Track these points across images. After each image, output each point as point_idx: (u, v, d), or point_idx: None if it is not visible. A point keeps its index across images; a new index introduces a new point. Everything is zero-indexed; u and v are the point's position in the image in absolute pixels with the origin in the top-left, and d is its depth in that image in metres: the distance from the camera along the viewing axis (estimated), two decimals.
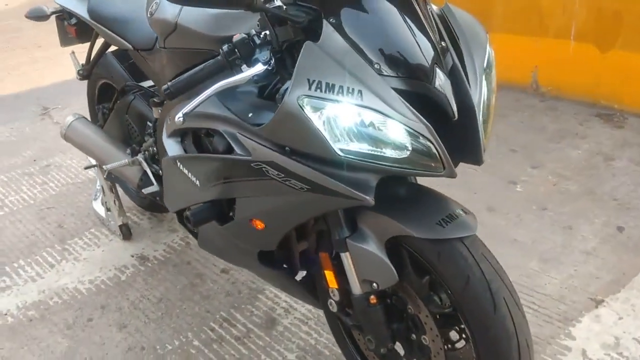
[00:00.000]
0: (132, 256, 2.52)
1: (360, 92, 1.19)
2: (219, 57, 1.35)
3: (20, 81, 4.88)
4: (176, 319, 2.15)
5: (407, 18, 1.29)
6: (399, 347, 1.59)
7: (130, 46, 2.03)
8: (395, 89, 1.24)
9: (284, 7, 1.29)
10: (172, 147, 1.74)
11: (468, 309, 1.34)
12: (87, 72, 2.38)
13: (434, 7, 1.44)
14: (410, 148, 1.24)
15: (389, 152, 1.23)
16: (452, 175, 1.27)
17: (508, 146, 3.23)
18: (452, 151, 1.29)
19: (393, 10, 1.29)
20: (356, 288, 1.48)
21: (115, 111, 2.38)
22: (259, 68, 1.31)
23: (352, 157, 1.22)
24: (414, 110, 1.22)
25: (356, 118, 1.20)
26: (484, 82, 1.36)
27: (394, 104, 1.21)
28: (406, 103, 1.22)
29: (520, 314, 1.34)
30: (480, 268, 1.33)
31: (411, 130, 1.22)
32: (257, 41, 1.34)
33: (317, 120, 1.19)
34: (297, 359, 1.95)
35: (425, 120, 1.22)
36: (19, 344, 2.08)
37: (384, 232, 1.40)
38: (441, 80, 1.27)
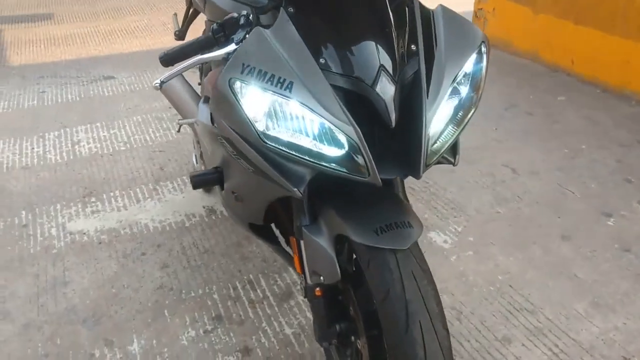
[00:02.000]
0: (203, 207, 2.75)
1: (291, 83, 1.20)
2: (209, 34, 1.44)
3: None
4: (210, 271, 2.32)
5: (369, 16, 1.26)
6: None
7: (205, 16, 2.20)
8: (338, 87, 1.23)
9: None
10: (202, 112, 1.87)
11: (383, 322, 1.30)
12: (182, 34, 2.60)
13: (421, 9, 1.37)
14: (336, 147, 1.22)
15: (313, 147, 1.23)
16: (376, 182, 1.23)
17: (624, 174, 2.88)
18: (394, 159, 1.25)
19: (355, 7, 1.26)
20: (307, 277, 1.51)
21: (203, 73, 2.59)
22: (231, 47, 1.38)
23: (275, 145, 1.24)
24: (344, 110, 1.20)
25: (278, 108, 1.21)
26: (449, 93, 1.28)
27: (325, 101, 1.20)
28: (339, 102, 1.21)
29: (437, 343, 1.27)
30: (403, 285, 1.28)
31: (336, 129, 1.21)
32: (241, 22, 1.40)
33: (244, 104, 1.23)
34: (292, 335, 2.01)
35: (353, 122, 1.20)
36: (81, 260, 2.41)
37: (332, 228, 1.40)
38: (384, 85, 1.22)
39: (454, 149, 1.40)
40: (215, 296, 2.20)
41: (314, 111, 1.20)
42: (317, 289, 1.50)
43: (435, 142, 1.29)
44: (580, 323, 2.02)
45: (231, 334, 2.02)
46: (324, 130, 1.22)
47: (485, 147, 3.22)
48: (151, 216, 2.69)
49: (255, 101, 1.22)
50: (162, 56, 1.48)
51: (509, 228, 2.54)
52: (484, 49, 1.36)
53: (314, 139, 1.23)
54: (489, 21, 4.88)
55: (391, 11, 1.31)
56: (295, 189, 1.29)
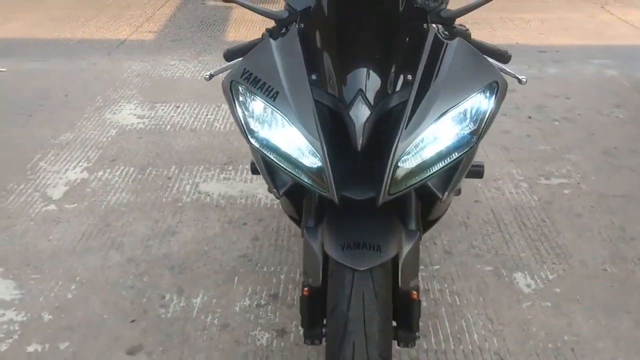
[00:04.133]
0: None
1: (276, 93, 1.31)
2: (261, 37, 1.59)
3: None
4: (289, 253, 2.50)
5: (371, 41, 1.30)
6: None
7: None
8: (323, 104, 1.30)
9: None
10: None
11: (326, 333, 1.36)
12: None
13: (435, 39, 1.35)
14: (311, 158, 1.30)
15: (291, 154, 1.32)
16: (333, 199, 1.28)
17: None
18: (368, 181, 1.28)
19: (362, 30, 1.31)
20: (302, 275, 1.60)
21: None
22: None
23: (258, 146, 1.35)
24: (318, 126, 1.27)
25: (263, 113, 1.32)
26: (437, 128, 1.27)
27: (303, 114, 1.29)
28: (316, 117, 1.28)
29: None
30: (349, 303, 1.32)
31: (306, 143, 1.28)
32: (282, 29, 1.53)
33: (237, 105, 1.36)
34: None
35: (322, 138, 1.26)
36: (195, 217, 2.75)
37: (321, 235, 1.48)
38: (359, 109, 1.26)
39: (445, 183, 1.37)
40: (282, 277, 2.37)
41: (291, 122, 1.30)
42: (306, 288, 1.58)
43: (409, 173, 1.29)
44: None
45: (277, 314, 2.19)
46: (298, 142, 1.31)
47: (634, 198, 2.88)
48: (267, 193, 2.94)
49: (245, 103, 1.35)
50: (226, 52, 1.67)
51: (609, 289, 2.30)
52: (492, 91, 1.31)
53: (290, 148, 1.32)
54: None
55: (405, 35, 1.33)
56: (275, 190, 1.40)
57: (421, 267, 2.41)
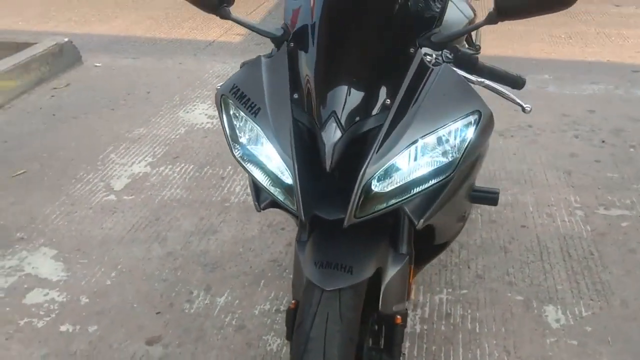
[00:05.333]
0: None
1: (258, 109, 1.35)
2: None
3: None
4: None
5: (355, 63, 1.31)
6: None
7: None
8: (302, 123, 1.33)
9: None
10: None
11: (290, 347, 1.38)
12: None
13: (421, 64, 1.33)
14: (282, 175, 1.32)
15: (271, 170, 1.35)
16: (302, 218, 1.30)
17: None
18: (340, 202, 1.30)
19: (346, 53, 1.32)
20: None
21: None
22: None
23: (240, 159, 1.39)
24: (292, 144, 1.30)
25: (245, 128, 1.36)
26: (409, 153, 1.26)
27: (279, 132, 1.32)
28: (291, 135, 1.30)
29: None
30: (313, 322, 1.33)
31: (280, 160, 1.31)
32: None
33: (225, 117, 1.41)
34: None
35: (294, 156, 1.29)
36: (238, 218, 2.84)
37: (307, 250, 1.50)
38: (330, 130, 1.27)
39: (424, 211, 1.35)
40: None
41: (268, 139, 1.33)
42: (293, 302, 1.60)
43: (379, 197, 1.28)
44: None
45: None
46: (274, 159, 1.34)
47: None
48: None
49: (233, 118, 1.40)
50: (242, 64, 1.73)
51: None
52: (473, 120, 1.27)
53: (270, 164, 1.35)
54: None
55: (390, 58, 1.33)
56: (256, 203, 1.43)
57: (448, 289, 2.38)
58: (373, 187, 1.28)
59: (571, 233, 2.70)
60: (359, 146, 1.29)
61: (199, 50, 5.25)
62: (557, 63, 4.76)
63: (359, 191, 1.26)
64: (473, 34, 2.66)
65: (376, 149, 1.27)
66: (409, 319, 2.21)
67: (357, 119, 1.29)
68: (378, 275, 1.47)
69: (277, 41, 1.50)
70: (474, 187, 1.79)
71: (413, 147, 1.27)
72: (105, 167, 3.32)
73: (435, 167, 1.29)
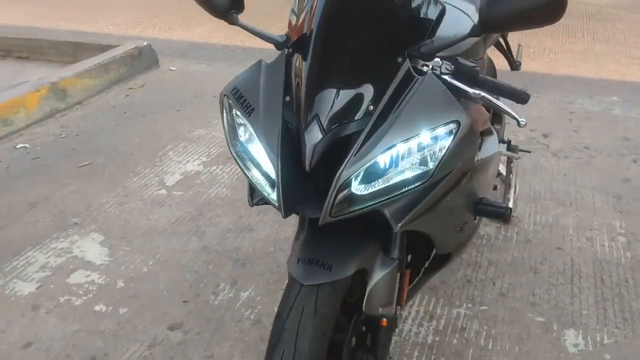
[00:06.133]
0: None
1: (252, 109, 1.43)
2: None
3: None
4: None
5: (344, 69, 1.37)
6: None
7: None
8: (290, 124, 1.40)
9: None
10: None
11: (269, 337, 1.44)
12: None
13: (407, 73, 1.37)
14: (271, 173, 1.39)
15: (263, 168, 1.42)
16: (281, 213, 1.37)
17: None
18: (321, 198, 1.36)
19: (335, 59, 1.38)
20: None
21: None
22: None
23: (236, 156, 1.48)
24: (278, 143, 1.36)
25: (241, 126, 1.45)
26: (380, 159, 1.31)
27: (268, 132, 1.39)
28: (279, 135, 1.37)
29: None
30: (289, 314, 1.39)
31: (266, 158, 1.38)
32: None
33: (225, 116, 1.50)
34: None
35: (278, 154, 1.35)
36: (275, 219, 2.94)
37: None
38: (312, 132, 1.33)
39: (403, 216, 1.37)
40: None
41: (258, 138, 1.41)
42: None
43: (354, 198, 1.33)
44: None
45: None
46: (263, 157, 1.41)
47: None
48: None
49: (232, 117, 1.49)
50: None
51: None
52: (452, 129, 1.30)
53: (262, 162, 1.43)
54: None
55: (378, 67, 1.38)
56: (250, 198, 1.52)
57: (468, 304, 2.36)
58: (353, 189, 1.33)
59: (609, 259, 2.61)
60: (341, 149, 1.34)
61: (269, 59, 5.41)
62: (630, 85, 4.57)
63: (335, 191, 1.31)
64: (514, 49, 2.64)
65: (355, 152, 1.31)
66: (422, 329, 2.23)
67: (340, 122, 1.35)
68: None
69: (279, 47, 1.58)
70: (484, 200, 1.79)
71: (391, 152, 1.31)
72: (162, 164, 3.52)
73: (414, 173, 1.32)
